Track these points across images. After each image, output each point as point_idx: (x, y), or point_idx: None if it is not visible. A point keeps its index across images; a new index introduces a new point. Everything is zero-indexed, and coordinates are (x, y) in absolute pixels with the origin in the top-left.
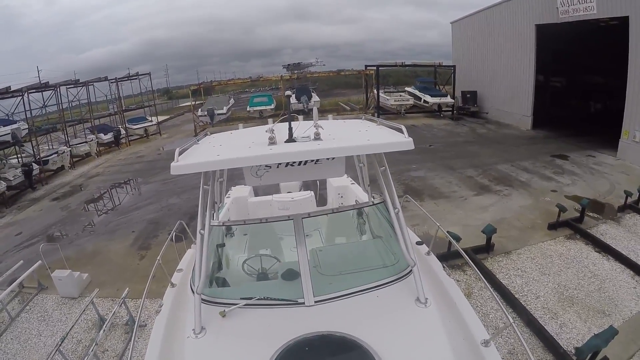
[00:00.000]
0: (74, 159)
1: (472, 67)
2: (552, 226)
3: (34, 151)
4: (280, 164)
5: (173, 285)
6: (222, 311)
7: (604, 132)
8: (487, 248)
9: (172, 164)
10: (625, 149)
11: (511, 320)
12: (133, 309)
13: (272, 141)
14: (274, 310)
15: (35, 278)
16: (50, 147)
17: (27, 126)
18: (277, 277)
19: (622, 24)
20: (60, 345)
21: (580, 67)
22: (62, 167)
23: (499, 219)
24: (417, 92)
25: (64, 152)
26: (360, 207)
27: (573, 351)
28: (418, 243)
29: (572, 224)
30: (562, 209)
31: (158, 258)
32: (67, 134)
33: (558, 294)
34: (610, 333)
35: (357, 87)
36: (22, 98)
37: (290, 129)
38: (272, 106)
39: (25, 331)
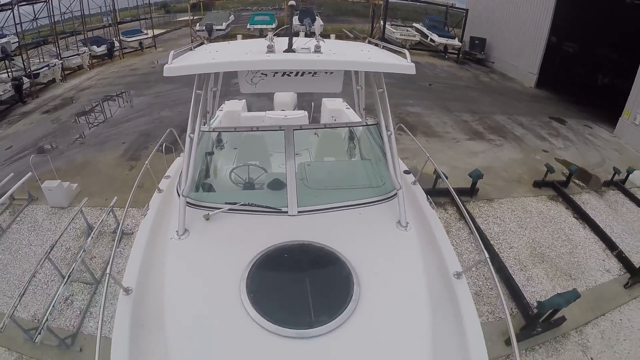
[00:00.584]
0: (66, 72)
1: (485, 14)
2: (538, 184)
3: (24, 65)
4: (276, 72)
5: (160, 190)
6: (206, 214)
7: (606, 106)
8: (471, 192)
9: (165, 65)
10: (623, 128)
11: (486, 255)
12: (121, 218)
13: (270, 49)
14: (258, 216)
15: (26, 190)
16: (42, 60)
17: (17, 40)
18: (263, 186)
19: None
20: (49, 253)
21: (596, 39)
22: (54, 80)
23: (487, 167)
24: (424, 30)
25: (55, 64)
26: (354, 126)
27: (535, 304)
28: (405, 172)
29: (557, 187)
30: (550, 170)
31: (146, 163)
32: (58, 46)
33: (531, 249)
34: (573, 295)
35: (363, 17)
36: (12, 11)
37: (290, 39)
38: (274, 25)
39: (16, 242)
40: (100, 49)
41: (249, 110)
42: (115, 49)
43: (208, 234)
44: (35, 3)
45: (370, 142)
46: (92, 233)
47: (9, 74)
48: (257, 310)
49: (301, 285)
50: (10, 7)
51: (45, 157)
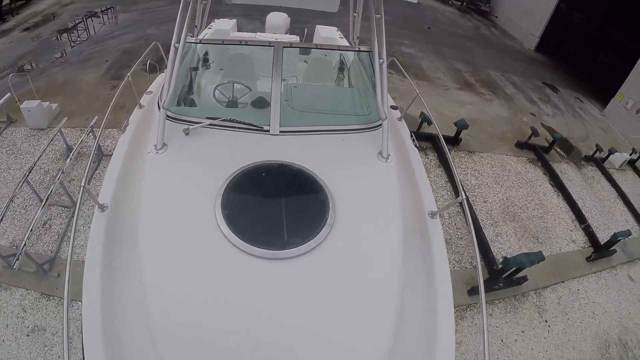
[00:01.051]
0: None
1: None
2: (520, 145)
3: None
4: None
5: (141, 106)
6: (186, 128)
7: (600, 84)
8: (454, 141)
9: None
10: (613, 110)
11: (463, 197)
12: (101, 139)
13: None
14: (239, 133)
15: (4, 111)
16: None
17: None
18: (246, 105)
19: None
20: (27, 176)
21: (607, 16)
22: None
23: (473, 119)
24: None
25: None
26: (345, 50)
27: (501, 260)
28: (392, 107)
29: (539, 151)
30: (535, 133)
31: (127, 75)
32: None
33: (504, 207)
34: (538, 257)
35: None
36: None
37: None
38: None
39: None
40: None
41: (239, 30)
42: None
43: (187, 148)
44: None
45: (361, 70)
46: (71, 154)
47: None
48: (230, 228)
49: (277, 205)
50: None
51: (24, 76)
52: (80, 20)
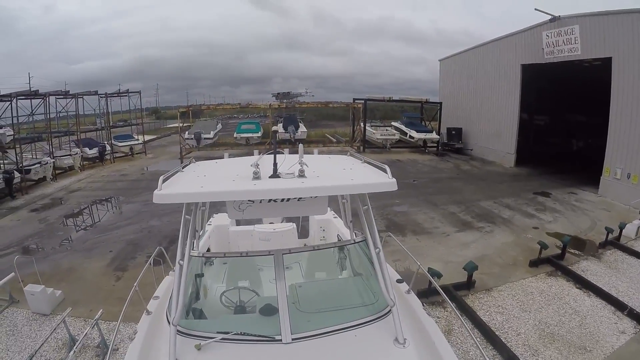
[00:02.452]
0: (57, 171)
1: (458, 104)
2: (534, 263)
3: (17, 159)
4: (263, 199)
5: (149, 312)
6: (197, 344)
7: (586, 169)
8: (468, 285)
9: (155, 192)
10: (607, 186)
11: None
12: (105, 332)
13: (256, 176)
14: (251, 345)
15: (7, 290)
16: (34, 156)
17: (12, 132)
18: (255, 310)
19: (605, 64)
20: None
21: (564, 106)
22: (44, 178)
23: (480, 256)
24: (403, 127)
25: (47, 162)
26: (341, 245)
27: None
28: (398, 281)
29: (554, 261)
30: (543, 246)
31: (135, 284)
32: (52, 144)
33: (539, 331)
34: None
35: (344, 120)
36: (11, 103)
37: (275, 164)
38: (259, 134)
39: None
40: (92, 152)
41: (237, 223)
42: (106, 153)
43: None
44: (34, 98)
45: (360, 255)
46: (75, 347)
47: (1, 166)
48: None
49: None
50: (9, 99)
51: (30, 258)
52: (86, 207)
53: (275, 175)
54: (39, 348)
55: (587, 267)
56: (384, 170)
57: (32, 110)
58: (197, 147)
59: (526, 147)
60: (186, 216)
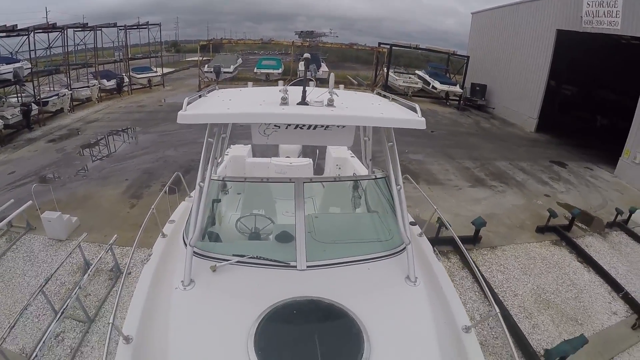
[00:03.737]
0: (74, 103)
1: (485, 60)
2: (540, 229)
3: (34, 91)
4: (289, 125)
5: (164, 235)
6: (213, 265)
7: (606, 147)
8: (474, 240)
9: (180, 112)
10: (624, 168)
11: (497, 310)
12: (119, 256)
13: (284, 101)
14: (266, 270)
15: (25, 218)
16: (52, 88)
17: (30, 66)
18: (269, 238)
19: None
20: (44, 286)
21: (594, 80)
22: (62, 110)
23: (489, 214)
24: (426, 77)
25: (64, 94)
26: (362, 179)
27: (542, 352)
28: (411, 223)
29: (560, 231)
30: (552, 214)
31: (152, 207)
32: (69, 77)
33: (535, 296)
34: (580, 341)
35: (367, 64)
36: (28, 37)
37: (304, 91)
38: (280, 70)
39: (10, 270)
40: (110, 83)
41: (254, 155)
42: (124, 84)
43: (214, 286)
44: (51, 31)
45: (377, 193)
46: (90, 270)
47: (19, 99)
48: None
49: (311, 343)
50: (27, 33)
51: (47, 186)
52: (102, 137)
53: (303, 102)
54: (55, 272)
55: (591, 243)
56: (413, 109)
57: (50, 44)
58: (217, 80)
59: (550, 114)
60: (209, 139)
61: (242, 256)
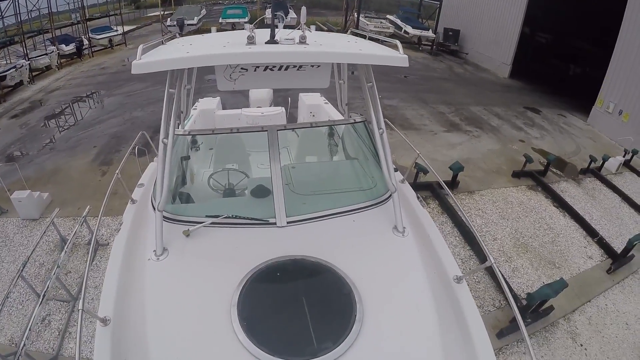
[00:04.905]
0: (34, 73)
1: (459, 5)
2: (517, 174)
3: None
4: (258, 67)
5: (133, 201)
6: (186, 230)
7: (579, 96)
8: (452, 184)
9: (134, 62)
10: (597, 117)
11: (492, 261)
12: (95, 228)
13: (251, 41)
14: (243, 230)
15: None
16: (8, 61)
17: None
18: (245, 193)
19: None
20: (22, 270)
21: (569, 29)
22: (21, 82)
23: (465, 158)
24: (398, 22)
25: (22, 65)
26: (340, 124)
27: (524, 295)
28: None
29: (536, 176)
30: (529, 160)
31: (117, 172)
32: (26, 46)
33: (514, 240)
34: (561, 285)
35: (336, 9)
36: None
37: (272, 28)
38: (246, 19)
39: None
40: (69, 48)
41: (224, 107)
42: (84, 47)
43: (189, 252)
44: (2, 0)
45: (355, 139)
46: (66, 247)
47: None
48: (251, 340)
49: (298, 307)
50: None
51: (13, 165)
52: (66, 105)
53: (272, 40)
54: (31, 254)
55: (565, 189)
56: (395, 46)
57: (2, 13)
58: (180, 34)
59: (523, 61)
60: (170, 90)
61: (216, 217)
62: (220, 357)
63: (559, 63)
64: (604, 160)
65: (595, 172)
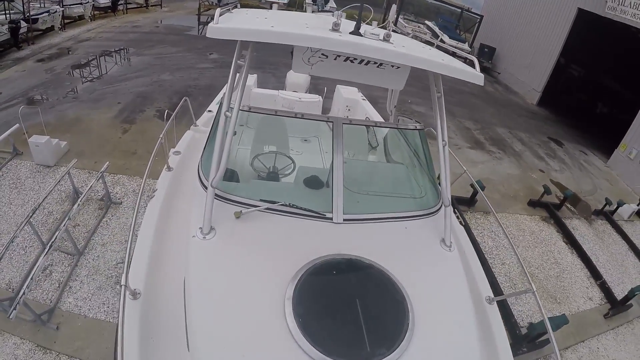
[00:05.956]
0: (66, 21)
1: (499, 23)
2: (532, 203)
3: (23, 8)
4: (339, 56)
5: (170, 168)
6: (238, 212)
7: (602, 135)
8: (470, 202)
9: (211, 24)
10: (617, 160)
11: (534, 288)
12: (110, 185)
13: (336, 27)
14: (298, 220)
15: (11, 142)
16: (42, 5)
17: None
18: (291, 181)
19: None
20: (31, 216)
21: (604, 67)
22: (52, 28)
23: (485, 178)
24: (436, 29)
25: (55, 11)
26: (404, 129)
27: (525, 324)
28: None
29: (551, 209)
30: (547, 191)
31: (161, 136)
32: None
33: (521, 268)
34: (562, 321)
35: (376, 6)
36: None
37: (359, 19)
38: (286, 0)
39: None
40: (104, 1)
41: (258, 85)
42: (119, 3)
43: (239, 235)
44: None
45: (404, 145)
46: (79, 200)
47: (7, 16)
48: (307, 338)
49: (352, 309)
50: None
51: (35, 109)
52: (94, 57)
53: (357, 32)
54: (42, 201)
55: (577, 227)
56: (471, 62)
57: None
58: (218, 4)
59: (553, 90)
60: (239, 61)
61: (273, 202)
62: (272, 353)
63: (588, 99)
64: (619, 205)
65: (608, 215)
